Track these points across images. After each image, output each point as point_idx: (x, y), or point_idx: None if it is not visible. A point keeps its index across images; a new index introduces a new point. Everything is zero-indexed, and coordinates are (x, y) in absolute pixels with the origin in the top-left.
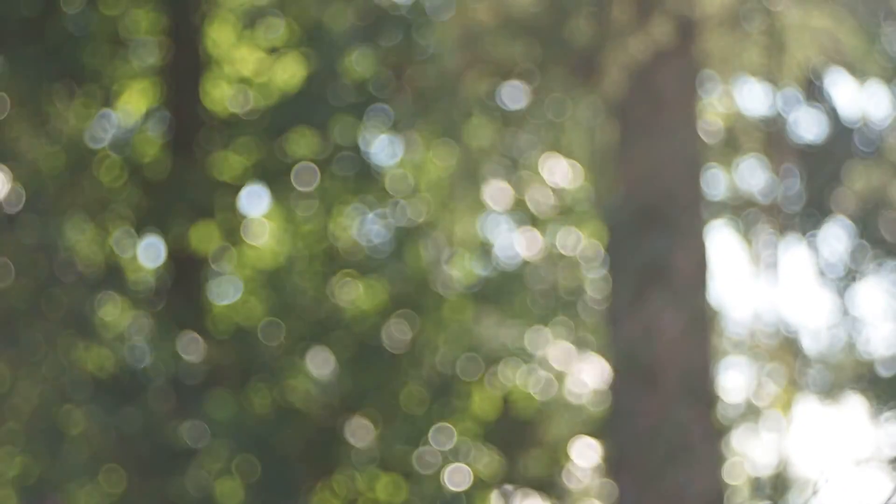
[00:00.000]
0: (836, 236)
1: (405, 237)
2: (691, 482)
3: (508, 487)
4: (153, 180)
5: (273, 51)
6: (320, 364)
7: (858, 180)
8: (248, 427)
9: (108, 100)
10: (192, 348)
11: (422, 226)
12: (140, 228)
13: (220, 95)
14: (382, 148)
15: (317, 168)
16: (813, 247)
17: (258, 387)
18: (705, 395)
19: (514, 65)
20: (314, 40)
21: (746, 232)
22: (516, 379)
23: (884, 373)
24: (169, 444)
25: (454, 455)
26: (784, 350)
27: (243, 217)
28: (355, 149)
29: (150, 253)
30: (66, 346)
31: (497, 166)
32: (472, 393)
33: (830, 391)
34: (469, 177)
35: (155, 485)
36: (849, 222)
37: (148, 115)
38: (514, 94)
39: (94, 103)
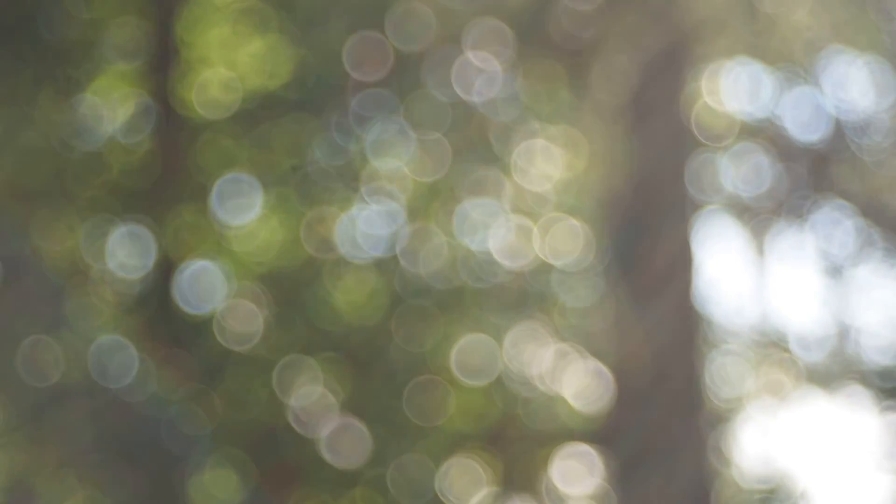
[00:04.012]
0: (832, 224)
1: (396, 237)
2: (678, 483)
3: (500, 491)
4: (137, 177)
5: (256, 38)
6: (309, 369)
7: (854, 169)
8: (232, 436)
9: (86, 94)
10: (174, 354)
11: (411, 224)
12: (122, 228)
13: (205, 87)
14: (371, 140)
15: (305, 163)
16: (807, 238)
17: (243, 394)
18: (693, 395)
19: (495, 51)
20: (298, 28)
21: (737, 225)
22: (506, 382)
23: (881, 384)
24: (149, 450)
25: (444, 459)
26: (776, 348)
27: (229, 217)
28: (342, 142)
29: (133, 254)
30: (41, 350)
31: (479, 160)
32: (463, 396)
33: (825, 388)
34: (453, 171)
35: (136, 489)
36: (845, 213)
37: (129, 108)
38: (495, 84)
39: (71, 96)
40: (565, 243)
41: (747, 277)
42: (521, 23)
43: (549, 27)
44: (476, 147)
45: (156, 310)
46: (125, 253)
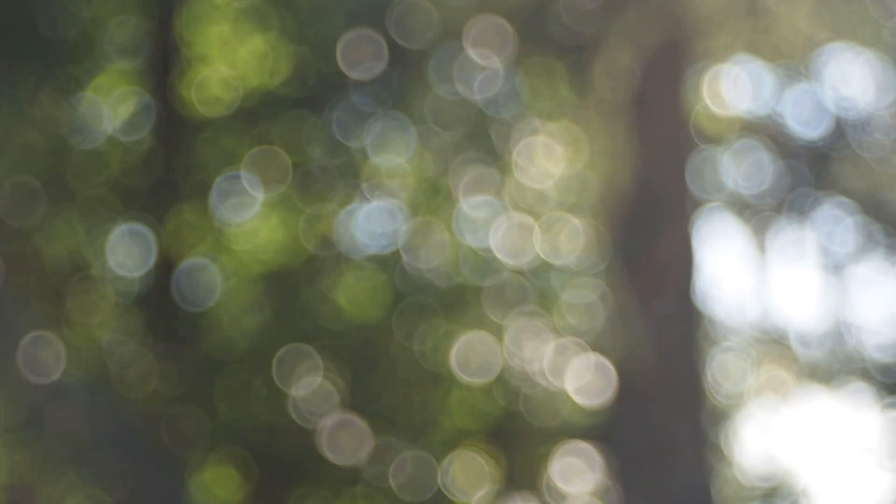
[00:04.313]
0: (832, 221)
1: (397, 234)
2: (679, 480)
3: (501, 488)
4: (137, 175)
5: (255, 35)
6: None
7: (855, 166)
8: (232, 433)
9: (86, 92)
10: (175, 352)
11: (412, 221)
12: (123, 226)
13: (205, 85)
14: (372, 138)
15: (306, 161)
16: (808, 235)
17: (244, 392)
18: (694, 392)
19: (496, 48)
20: (298, 25)
21: (738, 222)
22: (507, 379)
23: (883, 380)
24: (149, 448)
25: (445, 456)
26: (777, 345)
27: (229, 215)
28: (342, 139)
29: (134, 252)
30: (42, 347)
31: (480, 158)
32: (464, 393)
33: (826, 385)
34: (454, 168)
35: (136, 488)
36: (846, 210)
37: (130, 106)
38: (496, 80)
39: (71, 94)
40: (566, 240)
41: (748, 275)
42: (522, 19)
43: (550, 24)
44: (477, 144)
45: (156, 308)
46: (125, 251)
